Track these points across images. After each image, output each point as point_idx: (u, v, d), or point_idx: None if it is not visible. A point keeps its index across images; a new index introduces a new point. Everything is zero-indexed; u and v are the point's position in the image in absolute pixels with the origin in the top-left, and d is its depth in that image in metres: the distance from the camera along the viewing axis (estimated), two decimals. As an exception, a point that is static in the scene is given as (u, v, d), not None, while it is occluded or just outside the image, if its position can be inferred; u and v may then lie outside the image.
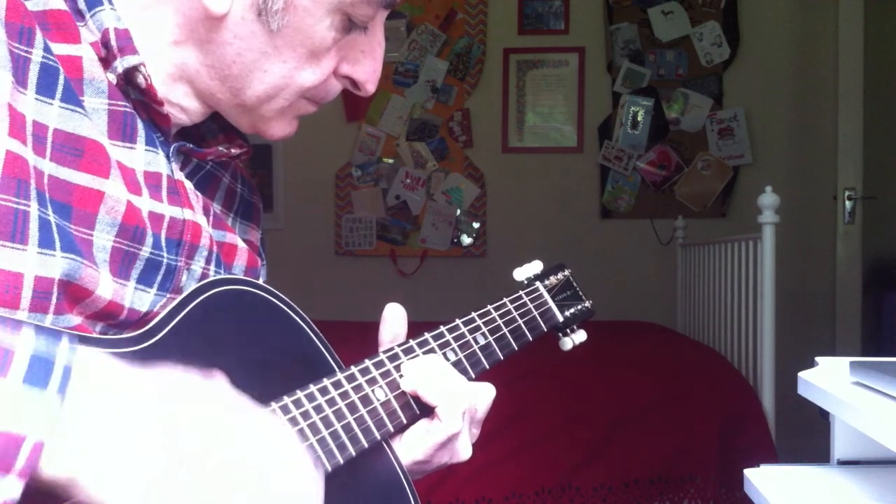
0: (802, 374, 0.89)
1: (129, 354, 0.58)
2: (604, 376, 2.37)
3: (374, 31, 0.69)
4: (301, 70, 0.66)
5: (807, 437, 2.82)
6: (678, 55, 3.72)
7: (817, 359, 0.97)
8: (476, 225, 3.82)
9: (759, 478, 0.88)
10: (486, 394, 0.76)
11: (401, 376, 0.73)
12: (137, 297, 0.63)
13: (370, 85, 0.71)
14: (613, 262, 3.73)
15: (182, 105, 0.69)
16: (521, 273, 0.91)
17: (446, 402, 0.71)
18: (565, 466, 2.16)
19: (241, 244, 0.76)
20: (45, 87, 0.57)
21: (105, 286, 0.59)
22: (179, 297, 0.63)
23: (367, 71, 0.70)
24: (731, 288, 2.61)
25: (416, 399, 0.73)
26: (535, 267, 0.92)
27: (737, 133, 3.68)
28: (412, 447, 0.72)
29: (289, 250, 3.81)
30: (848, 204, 3.55)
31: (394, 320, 0.78)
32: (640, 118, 3.73)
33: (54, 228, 0.55)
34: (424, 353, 0.75)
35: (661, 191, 3.73)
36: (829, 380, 0.85)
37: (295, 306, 0.70)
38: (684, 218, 3.49)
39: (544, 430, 2.19)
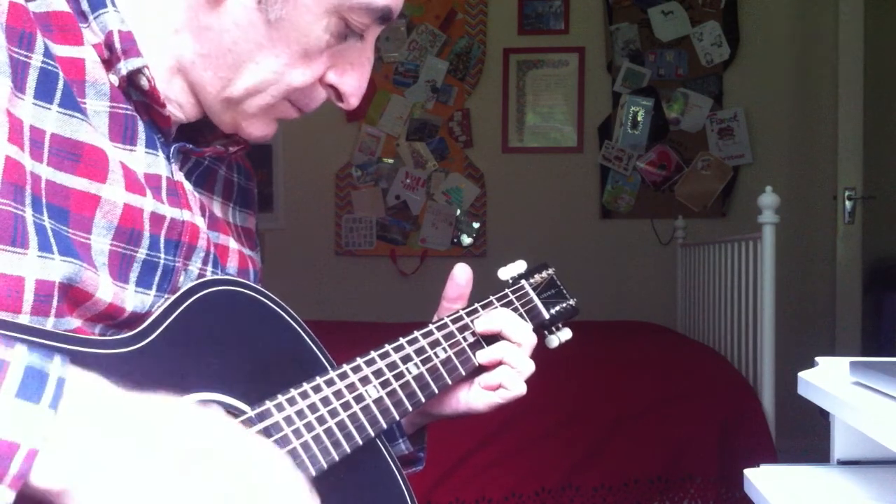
0: (802, 374, 0.89)
1: (125, 355, 0.58)
2: (604, 376, 2.37)
3: (366, 45, 0.70)
4: (292, 68, 0.67)
5: (807, 437, 2.82)
6: (678, 55, 3.72)
7: (817, 359, 0.97)
8: (476, 225, 3.82)
9: (759, 478, 0.88)
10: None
11: (394, 374, 0.74)
12: (138, 300, 0.63)
13: (353, 99, 0.71)
14: (613, 262, 3.73)
15: (179, 101, 0.69)
16: (506, 272, 0.92)
17: (514, 374, 0.82)
18: (565, 466, 2.16)
19: (234, 245, 0.77)
20: (44, 92, 0.57)
21: (105, 289, 0.59)
22: (172, 298, 0.63)
23: (353, 84, 0.70)
24: (731, 288, 2.61)
25: (412, 395, 0.74)
26: (520, 266, 0.93)
27: (737, 133, 3.68)
28: (476, 400, 0.83)
29: (289, 250, 3.81)
30: (848, 204, 3.55)
31: (461, 279, 0.85)
32: (640, 118, 3.73)
33: (50, 233, 0.56)
34: (415, 351, 0.77)
35: (661, 191, 3.73)
36: (829, 380, 0.85)
37: (286, 307, 0.70)
38: (684, 218, 3.49)
39: (544, 430, 2.19)
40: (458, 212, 3.82)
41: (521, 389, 0.82)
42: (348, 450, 0.68)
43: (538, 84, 3.80)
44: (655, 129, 3.72)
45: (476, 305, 0.86)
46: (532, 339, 0.84)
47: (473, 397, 0.83)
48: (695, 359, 2.54)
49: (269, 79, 0.67)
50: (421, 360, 0.77)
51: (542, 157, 3.80)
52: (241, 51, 0.65)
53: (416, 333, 0.79)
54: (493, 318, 0.83)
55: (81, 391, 0.48)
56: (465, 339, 0.82)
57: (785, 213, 2.45)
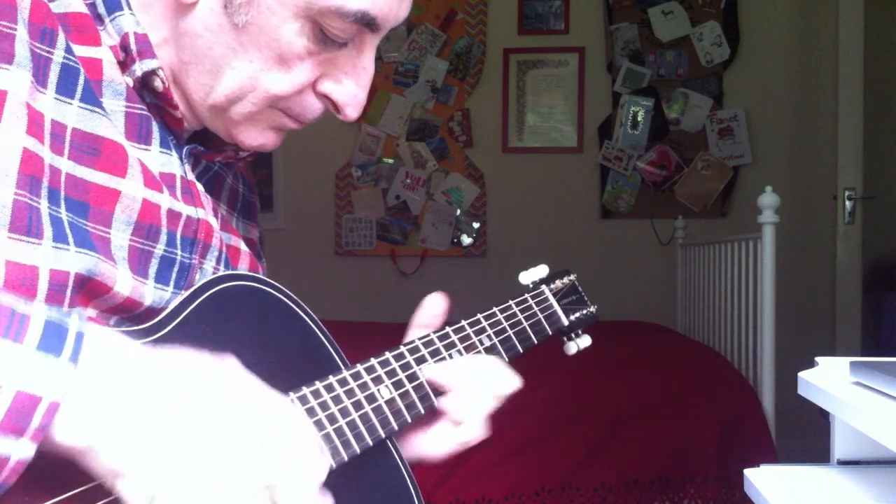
0: (802, 374, 0.89)
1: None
2: (604, 376, 2.36)
3: (362, 54, 0.67)
4: (268, 73, 0.65)
5: (807, 437, 2.82)
6: (678, 55, 3.72)
7: (817, 359, 0.97)
8: (476, 225, 3.82)
9: (759, 478, 0.88)
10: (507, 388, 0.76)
11: (406, 375, 0.73)
12: (157, 295, 0.64)
13: (350, 109, 0.68)
14: (613, 262, 3.73)
15: (181, 109, 0.69)
16: (527, 276, 0.91)
17: (473, 412, 0.74)
18: (565, 466, 2.16)
19: (244, 248, 0.77)
20: (65, 87, 0.58)
21: (124, 282, 0.60)
22: (189, 291, 0.64)
23: (348, 94, 0.68)
24: (731, 288, 2.61)
25: (424, 398, 0.74)
26: (541, 271, 0.92)
27: (737, 133, 3.68)
28: (433, 446, 0.75)
29: (289, 250, 3.81)
30: (848, 204, 3.55)
31: (432, 309, 0.79)
32: (640, 118, 3.73)
33: (66, 225, 0.56)
34: (430, 353, 0.76)
35: (661, 191, 3.73)
36: (829, 380, 0.85)
37: (303, 304, 0.70)
38: (684, 218, 3.49)
39: (544, 430, 2.19)
40: (458, 212, 3.82)
41: (476, 432, 0.74)
42: (358, 450, 0.67)
43: (538, 84, 3.80)
44: (655, 129, 3.72)
45: (494, 309, 0.84)
46: (503, 387, 0.75)
47: (428, 443, 0.76)
48: (695, 359, 2.54)
49: (245, 85, 0.65)
50: (435, 363, 0.76)
51: (542, 157, 3.80)
52: (216, 56, 0.64)
53: (432, 335, 0.78)
54: (442, 372, 0.75)
55: (100, 345, 0.49)
56: (480, 342, 0.81)
57: (785, 213, 2.45)
